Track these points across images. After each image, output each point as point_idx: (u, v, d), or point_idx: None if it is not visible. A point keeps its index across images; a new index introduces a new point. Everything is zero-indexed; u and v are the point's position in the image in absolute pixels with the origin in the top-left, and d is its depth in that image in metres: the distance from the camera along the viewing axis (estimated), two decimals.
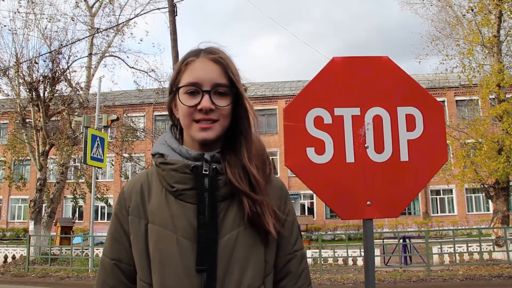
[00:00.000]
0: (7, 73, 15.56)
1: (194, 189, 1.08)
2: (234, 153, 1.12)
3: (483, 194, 15.62)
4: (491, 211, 16.41)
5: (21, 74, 15.19)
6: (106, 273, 1.16)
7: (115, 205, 1.19)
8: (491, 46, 12.96)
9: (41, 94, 15.02)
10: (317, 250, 11.49)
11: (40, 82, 15.01)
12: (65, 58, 15.48)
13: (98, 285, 1.18)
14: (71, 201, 17.46)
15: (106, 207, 30.25)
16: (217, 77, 1.10)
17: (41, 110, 14.85)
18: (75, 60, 16.16)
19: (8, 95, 16.25)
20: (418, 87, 1.83)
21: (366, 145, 1.76)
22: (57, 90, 15.56)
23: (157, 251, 1.07)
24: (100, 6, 17.45)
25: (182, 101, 1.10)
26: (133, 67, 17.64)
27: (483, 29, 13.27)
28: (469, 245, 11.55)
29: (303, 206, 30.59)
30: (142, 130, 19.96)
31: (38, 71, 15.17)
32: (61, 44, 15.56)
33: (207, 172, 1.09)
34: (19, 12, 15.73)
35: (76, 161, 17.32)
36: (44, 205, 15.31)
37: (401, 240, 11.59)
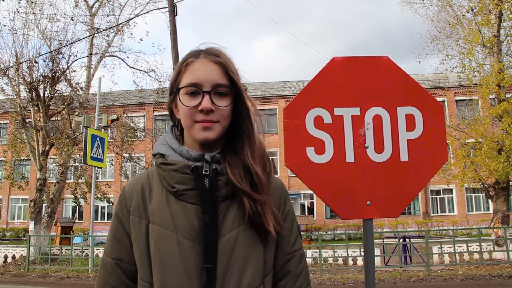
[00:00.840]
0: (7, 73, 15.55)
1: (195, 189, 1.09)
2: (235, 153, 1.13)
3: (483, 194, 15.63)
4: (491, 211, 16.41)
5: (21, 74, 15.18)
6: (107, 273, 1.16)
7: (116, 205, 1.20)
8: (491, 46, 12.96)
9: (41, 94, 15.02)
10: (317, 250, 11.49)
11: (40, 82, 15.01)
12: (65, 58, 15.51)
13: (99, 284, 1.18)
14: (73, 202, 17.47)
15: (106, 207, 30.27)
16: (217, 77, 1.10)
17: (41, 110, 14.84)
18: (75, 60, 16.19)
19: (8, 95, 16.25)
20: (418, 87, 1.82)
21: (366, 145, 1.76)
22: (57, 90, 15.56)
23: (157, 251, 1.08)
24: (100, 6, 17.44)
25: (183, 102, 1.11)
26: (133, 67, 17.64)
27: (483, 29, 13.27)
28: (469, 245, 11.55)
29: (303, 206, 30.58)
30: (142, 130, 19.94)
31: (38, 71, 15.19)
32: (61, 44, 15.57)
33: (207, 173, 1.09)
34: (19, 12, 15.76)
35: (76, 161, 17.31)
36: (44, 205, 15.30)
37: (401, 240, 11.59)
